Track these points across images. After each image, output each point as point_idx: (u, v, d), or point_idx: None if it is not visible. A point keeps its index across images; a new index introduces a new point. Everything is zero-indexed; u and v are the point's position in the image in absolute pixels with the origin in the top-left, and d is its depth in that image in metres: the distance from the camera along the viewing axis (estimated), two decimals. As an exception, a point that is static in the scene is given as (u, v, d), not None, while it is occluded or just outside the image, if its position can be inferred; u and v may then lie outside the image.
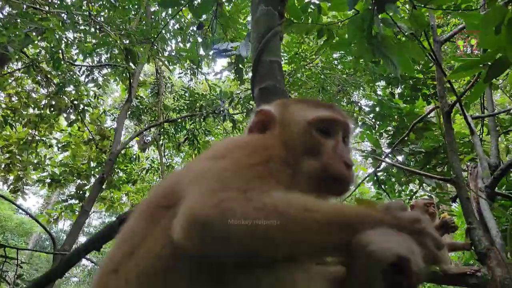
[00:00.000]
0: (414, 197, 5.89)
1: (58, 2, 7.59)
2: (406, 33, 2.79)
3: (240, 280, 0.73)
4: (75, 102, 8.68)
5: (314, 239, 0.74)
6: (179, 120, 9.60)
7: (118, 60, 7.83)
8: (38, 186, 9.58)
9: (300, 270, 0.76)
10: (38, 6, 7.19)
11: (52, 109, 8.72)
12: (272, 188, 0.79)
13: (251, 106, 7.88)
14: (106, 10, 8.20)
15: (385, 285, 0.77)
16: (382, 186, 6.03)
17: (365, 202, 0.92)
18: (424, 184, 5.77)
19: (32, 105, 8.86)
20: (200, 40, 6.88)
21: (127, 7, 8.11)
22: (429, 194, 5.74)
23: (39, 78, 8.43)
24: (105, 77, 9.05)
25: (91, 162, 8.92)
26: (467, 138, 5.44)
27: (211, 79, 10.53)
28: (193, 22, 7.48)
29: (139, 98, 10.61)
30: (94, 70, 8.78)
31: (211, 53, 6.65)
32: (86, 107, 8.84)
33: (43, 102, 8.85)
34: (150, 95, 10.84)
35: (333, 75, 8.59)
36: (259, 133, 1.08)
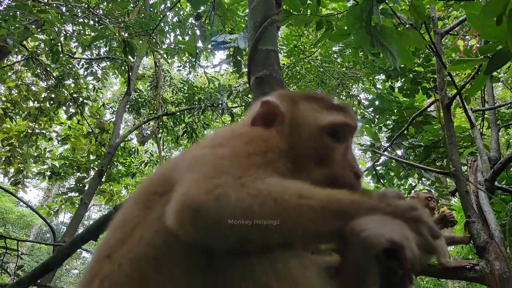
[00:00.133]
0: (413, 191, 5.89)
1: (57, -6, 7.54)
2: (406, 25, 2.76)
3: (234, 266, 0.72)
4: (75, 95, 8.69)
5: (309, 226, 0.73)
6: (178, 113, 9.59)
7: (117, 53, 7.80)
8: (39, 179, 9.62)
9: (294, 258, 0.75)
10: (36, -2, 7.14)
11: (51, 102, 8.74)
12: (267, 175, 0.78)
13: (249, 100, 7.86)
14: (105, 3, 8.15)
15: (379, 272, 0.76)
16: (381, 180, 6.03)
17: (366, 192, 0.91)
18: (423, 179, 5.77)
19: (32, 98, 8.87)
20: (198, 32, 6.84)
21: (125, -1, 8.06)
22: (428, 188, 5.74)
23: (38, 71, 8.41)
24: (104, 70, 9.03)
25: (91, 155, 8.94)
26: (467, 132, 5.42)
27: (210, 72, 10.50)
28: (192, 14, 7.43)
29: (138, 91, 10.59)
30: (93, 63, 8.76)
31: (209, 46, 6.61)
32: (85, 100, 8.85)
33: (42, 95, 8.86)
34: (149, 88, 10.81)
35: (332, 69, 8.54)
36: (263, 126, 1.00)
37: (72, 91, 8.67)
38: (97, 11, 7.87)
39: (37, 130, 8.96)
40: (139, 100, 10.23)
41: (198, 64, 9.32)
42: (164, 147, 11.87)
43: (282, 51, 8.34)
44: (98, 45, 8.14)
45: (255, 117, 1.03)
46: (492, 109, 4.65)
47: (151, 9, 8.21)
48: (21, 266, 4.98)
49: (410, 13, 2.70)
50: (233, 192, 0.70)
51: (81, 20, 7.36)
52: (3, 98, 8.74)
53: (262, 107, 1.03)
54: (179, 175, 0.82)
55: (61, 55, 7.57)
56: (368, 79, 8.40)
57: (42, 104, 8.77)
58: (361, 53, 6.43)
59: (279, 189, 0.74)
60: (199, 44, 7.49)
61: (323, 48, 8.02)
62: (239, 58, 3.62)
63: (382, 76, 7.37)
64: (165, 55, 8.09)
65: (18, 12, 6.18)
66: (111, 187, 9.58)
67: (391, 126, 6.21)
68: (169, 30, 8.05)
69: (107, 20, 7.14)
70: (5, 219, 17.41)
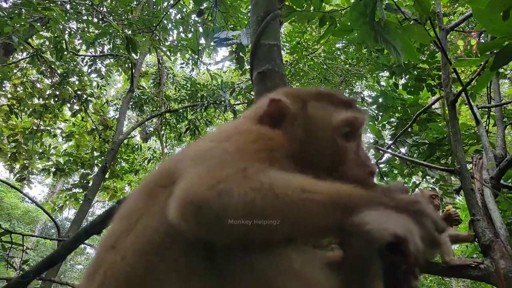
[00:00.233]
0: (417, 189, 5.86)
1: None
2: (411, 20, 2.73)
3: (236, 260, 0.71)
4: (79, 92, 8.73)
5: (312, 220, 0.72)
6: (181, 110, 9.61)
7: (121, 50, 7.82)
8: (43, 175, 9.71)
9: (297, 252, 0.74)
10: (41, -5, 7.16)
11: (56, 99, 8.80)
12: (270, 169, 0.77)
13: (252, 97, 7.85)
14: (109, 0, 8.16)
15: (383, 266, 0.75)
16: (384, 178, 6.00)
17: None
18: (427, 176, 5.73)
19: (37, 95, 8.94)
20: (201, 30, 6.83)
21: (129, -4, 8.06)
22: (433, 186, 5.70)
23: (43, 68, 8.47)
24: (107, 68, 9.07)
25: (94, 152, 9.00)
26: (472, 129, 5.38)
27: (213, 69, 10.50)
28: (195, 11, 7.42)
29: (141, 88, 10.61)
30: (97, 60, 8.79)
31: (212, 43, 6.60)
32: (89, 98, 8.89)
33: (47, 92, 8.92)
34: (152, 85, 10.84)
35: (336, 65, 8.50)
36: (270, 126, 0.97)
37: (76, 88, 8.72)
38: (101, 8, 7.89)
39: (42, 127, 9.04)
40: (142, 97, 10.26)
41: (200, 61, 9.32)
42: (167, 144, 11.92)
43: (285, 48, 8.31)
44: (101, 42, 8.17)
45: (262, 116, 1.00)
46: (498, 106, 4.61)
47: (154, 6, 8.21)
48: (27, 260, 5.05)
49: (415, 8, 2.66)
50: (236, 188, 0.70)
51: (85, 17, 7.39)
52: (9, 95, 8.82)
53: (270, 105, 1.00)
54: (182, 169, 0.81)
55: (66, 52, 7.61)
56: (372, 76, 8.35)
57: (47, 101, 8.84)
58: (365, 50, 6.38)
59: (282, 184, 0.73)
60: (202, 41, 7.49)
61: (326, 45, 7.98)
62: (242, 55, 3.60)
63: (386, 73, 7.32)
64: (168, 52, 8.10)
65: (23, 10, 6.22)
66: (115, 183, 9.64)
67: (395, 123, 6.17)
68: (172, 27, 8.05)
69: (111, 18, 7.16)
70: (10, 215, 17.58)
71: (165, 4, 8.14)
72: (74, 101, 8.83)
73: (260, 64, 1.64)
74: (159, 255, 0.73)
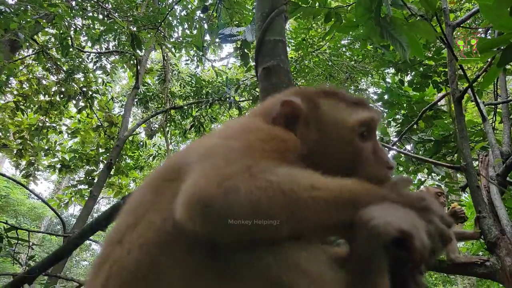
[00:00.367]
0: (422, 186, 5.83)
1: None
2: (417, 16, 2.70)
3: (241, 257, 0.71)
4: (84, 89, 8.77)
5: (319, 217, 0.72)
6: (186, 107, 9.62)
7: (126, 47, 7.84)
8: (49, 172, 9.79)
9: (304, 249, 0.74)
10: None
11: (61, 96, 8.85)
12: (278, 166, 0.76)
13: (257, 93, 7.84)
14: (114, -4, 8.17)
15: (389, 261, 0.75)
16: (390, 175, 5.96)
17: None
18: (433, 174, 5.69)
19: (43, 92, 9.00)
20: (206, 26, 6.82)
21: (134, -8, 8.07)
22: (438, 184, 5.67)
23: (49, 65, 8.51)
24: (112, 64, 9.10)
25: (100, 148, 9.05)
26: (479, 126, 5.33)
27: (217, 66, 10.49)
28: (199, 7, 7.42)
29: (146, 85, 10.64)
30: (102, 57, 8.82)
31: (217, 39, 6.59)
32: (94, 94, 8.93)
33: (53, 89, 8.98)
34: (157, 82, 10.86)
35: (341, 62, 8.45)
36: (284, 127, 0.95)
37: (81, 85, 8.77)
38: (106, 5, 7.91)
39: (47, 124, 9.11)
40: (147, 93, 10.29)
41: (205, 58, 9.31)
42: (172, 141, 11.95)
43: (290, 45, 8.27)
44: (107, 39, 8.19)
45: (275, 117, 0.98)
46: (504, 102, 4.56)
47: (159, 3, 8.21)
48: (32, 256, 5.10)
49: (421, 4, 2.64)
50: (243, 186, 0.69)
51: (90, 14, 7.41)
52: (15, 92, 8.88)
53: (283, 107, 0.98)
54: (189, 164, 0.81)
55: (71, 49, 7.64)
56: (377, 73, 8.30)
57: (52, 98, 8.89)
58: (370, 46, 6.33)
59: (289, 180, 0.72)
60: (207, 37, 7.49)
61: (332, 41, 7.93)
62: (246, 51, 3.59)
63: (392, 70, 7.27)
64: (172, 49, 8.10)
65: (29, 6, 6.25)
66: (120, 180, 9.70)
67: (401, 120, 6.13)
68: (177, 24, 8.05)
69: (116, 14, 7.17)
70: (17, 211, 17.75)
71: (170, 0, 8.14)
72: (80, 97, 8.88)
73: (265, 60, 1.63)
74: (164, 251, 0.73)
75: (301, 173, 0.76)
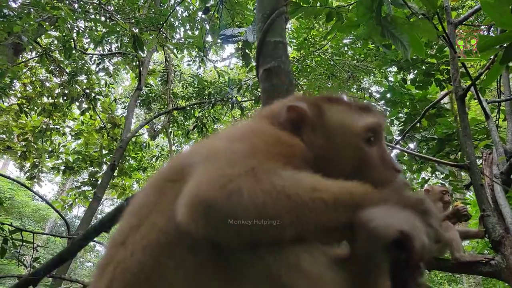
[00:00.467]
0: (426, 184, 5.80)
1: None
2: (418, 15, 2.69)
3: (244, 258, 0.72)
4: (87, 91, 8.82)
5: (321, 220, 0.72)
6: (188, 107, 9.64)
7: (128, 48, 7.87)
8: (53, 173, 9.85)
9: (305, 250, 0.74)
10: (49, -5, 7.24)
11: (65, 98, 8.90)
12: (281, 169, 0.76)
13: (259, 93, 7.84)
14: (116, -1, 8.22)
15: (389, 263, 0.75)
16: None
17: None
18: (436, 172, 5.67)
19: (46, 94, 9.05)
20: (207, 27, 6.84)
21: (136, -5, 8.11)
22: (442, 182, 5.64)
23: (52, 67, 8.56)
24: (115, 66, 9.13)
25: (103, 150, 9.09)
26: (482, 124, 5.30)
27: (219, 66, 10.51)
28: (201, 8, 7.44)
29: (149, 86, 10.67)
30: (105, 59, 8.86)
31: (219, 40, 6.60)
32: (97, 96, 8.97)
33: (56, 91, 9.02)
34: (159, 83, 10.89)
35: (343, 61, 8.43)
36: (290, 132, 0.96)
37: (84, 87, 8.81)
38: (108, 7, 7.94)
39: (51, 126, 9.16)
40: (150, 95, 10.33)
41: (207, 59, 9.33)
42: (175, 142, 11.98)
43: (291, 45, 8.27)
44: (109, 41, 8.23)
45: (282, 122, 0.99)
46: (508, 100, 4.52)
47: (161, 4, 8.24)
48: (37, 258, 5.14)
49: (422, 3, 2.63)
50: (246, 188, 0.69)
51: (92, 16, 7.45)
52: (19, 94, 8.94)
53: (289, 112, 0.98)
54: (193, 165, 0.81)
55: (74, 51, 7.68)
56: (380, 72, 8.27)
57: (56, 100, 8.94)
58: (372, 45, 6.32)
59: (293, 183, 0.73)
60: (208, 38, 7.50)
61: (333, 40, 7.92)
62: (248, 52, 3.60)
63: (394, 69, 7.25)
64: (174, 50, 8.12)
65: (32, 10, 6.29)
66: (123, 181, 9.73)
67: (403, 119, 6.11)
68: (179, 25, 8.08)
69: (118, 16, 7.21)
70: (21, 213, 17.86)
71: (172, 2, 8.16)
72: (83, 99, 8.92)
73: (266, 62, 1.64)
74: (167, 252, 0.74)
75: (304, 176, 0.77)
